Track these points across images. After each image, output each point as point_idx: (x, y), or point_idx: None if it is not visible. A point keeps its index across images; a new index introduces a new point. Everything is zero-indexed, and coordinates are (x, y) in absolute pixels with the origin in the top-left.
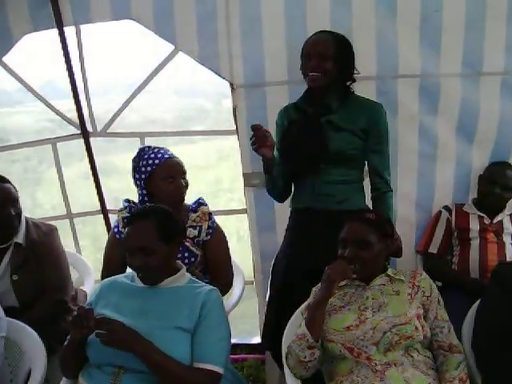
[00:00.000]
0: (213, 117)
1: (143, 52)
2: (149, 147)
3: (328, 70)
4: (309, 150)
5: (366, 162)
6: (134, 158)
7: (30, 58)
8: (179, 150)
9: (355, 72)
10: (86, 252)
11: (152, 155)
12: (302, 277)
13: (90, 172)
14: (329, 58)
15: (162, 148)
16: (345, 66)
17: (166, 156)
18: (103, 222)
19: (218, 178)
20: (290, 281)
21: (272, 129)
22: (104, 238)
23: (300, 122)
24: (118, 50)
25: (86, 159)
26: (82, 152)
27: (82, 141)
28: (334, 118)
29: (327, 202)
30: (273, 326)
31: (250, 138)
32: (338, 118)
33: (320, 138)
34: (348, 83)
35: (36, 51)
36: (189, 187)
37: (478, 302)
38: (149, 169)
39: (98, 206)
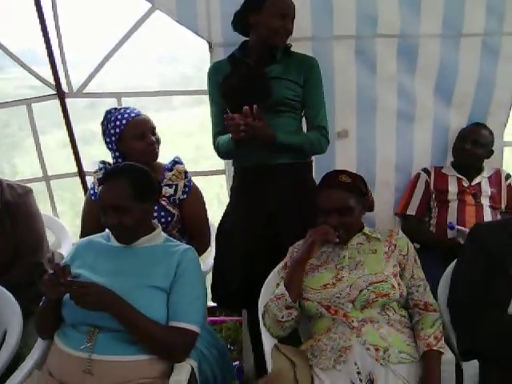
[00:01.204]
0: (195, 83)
1: (121, 13)
2: (115, 109)
3: (291, 31)
4: (253, 96)
5: (305, 114)
6: (102, 121)
7: (8, 23)
8: (160, 116)
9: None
10: (65, 217)
11: (119, 116)
12: (261, 238)
13: (67, 133)
14: (293, 19)
15: (128, 107)
16: None
17: (133, 114)
18: (81, 186)
19: (199, 144)
20: (254, 243)
21: None
22: (82, 202)
23: (242, 72)
24: (94, 11)
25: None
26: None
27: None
28: (277, 68)
29: (276, 157)
30: (237, 286)
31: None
32: (280, 68)
33: (263, 84)
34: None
35: (14, 15)
36: (170, 153)
37: (454, 262)
38: (117, 130)
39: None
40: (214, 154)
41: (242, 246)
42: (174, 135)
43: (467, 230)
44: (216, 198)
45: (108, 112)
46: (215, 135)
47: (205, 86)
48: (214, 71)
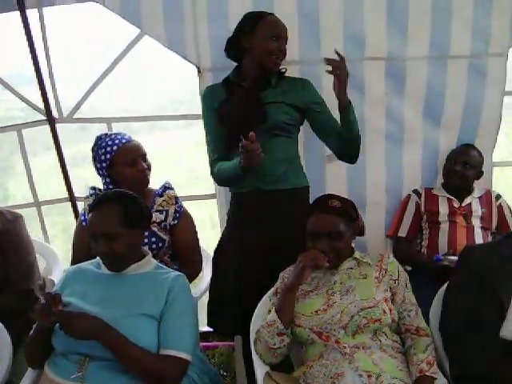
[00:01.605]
0: (186, 106)
1: (111, 38)
2: (105, 134)
3: (285, 52)
4: (250, 121)
5: (325, 127)
6: (92, 147)
7: None
8: (152, 138)
9: None
10: (56, 241)
11: (109, 142)
12: (258, 265)
13: (57, 158)
14: (285, 40)
15: (119, 133)
16: None
17: (124, 140)
18: (72, 212)
19: (191, 166)
20: (246, 270)
21: None
22: (74, 227)
23: (239, 96)
24: (84, 37)
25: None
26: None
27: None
28: (272, 92)
29: (274, 182)
30: (234, 310)
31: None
32: (276, 93)
33: (260, 109)
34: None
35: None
36: (162, 176)
37: (445, 284)
38: (108, 156)
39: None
40: (207, 176)
41: (238, 272)
42: (166, 157)
43: (455, 258)
44: (209, 220)
45: (98, 138)
46: (213, 162)
47: (195, 110)
48: (208, 95)
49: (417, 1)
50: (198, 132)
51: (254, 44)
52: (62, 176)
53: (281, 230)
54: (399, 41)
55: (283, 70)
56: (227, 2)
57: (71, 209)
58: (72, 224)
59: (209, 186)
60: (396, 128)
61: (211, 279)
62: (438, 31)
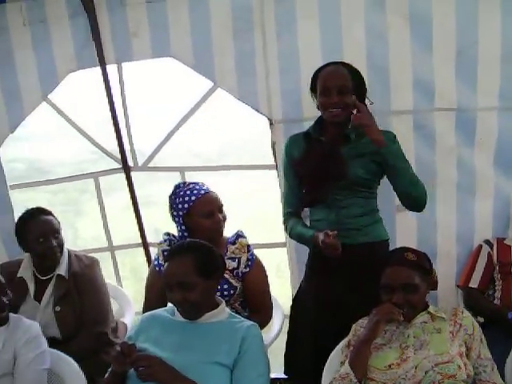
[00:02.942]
0: (255, 150)
1: (185, 89)
2: (184, 183)
3: (348, 104)
4: (329, 178)
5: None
6: (170, 195)
7: (78, 96)
8: (226, 178)
9: (369, 103)
10: (126, 282)
11: (188, 192)
12: (334, 315)
13: (132, 205)
14: (348, 91)
15: (197, 183)
16: (361, 99)
17: (202, 192)
18: (145, 257)
19: (260, 210)
20: (323, 320)
21: None
22: (144, 268)
23: (317, 151)
24: (159, 88)
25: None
26: (124, 183)
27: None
28: (352, 148)
29: (353, 236)
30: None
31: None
32: (355, 148)
33: (340, 166)
34: None
35: (82, 89)
36: (230, 219)
37: None
38: (186, 206)
39: (139, 238)
40: (275, 220)
41: (314, 325)
42: (234, 200)
43: None
44: (275, 267)
45: (177, 186)
46: (286, 214)
47: (266, 158)
48: (289, 146)
49: (486, 52)
50: (266, 176)
51: (318, 101)
52: (130, 218)
53: (359, 283)
54: (469, 91)
55: None
56: (298, 55)
57: (143, 253)
58: (141, 265)
59: (277, 230)
60: (467, 178)
61: (288, 331)
62: (507, 82)
